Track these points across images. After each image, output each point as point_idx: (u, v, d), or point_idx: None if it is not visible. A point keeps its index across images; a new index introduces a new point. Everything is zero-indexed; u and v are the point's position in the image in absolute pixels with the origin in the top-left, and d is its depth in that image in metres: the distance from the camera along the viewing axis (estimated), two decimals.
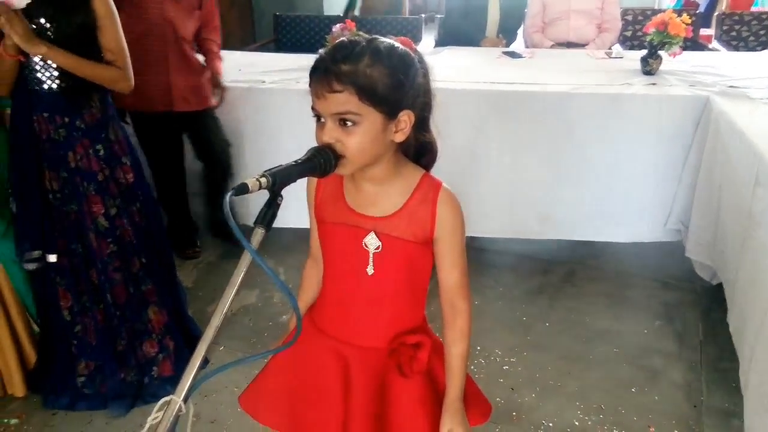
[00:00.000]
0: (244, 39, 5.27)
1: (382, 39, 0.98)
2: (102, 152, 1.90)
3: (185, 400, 0.75)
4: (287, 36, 4.17)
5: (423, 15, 4.27)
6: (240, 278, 0.80)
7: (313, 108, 0.97)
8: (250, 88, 2.77)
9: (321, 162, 0.92)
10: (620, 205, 2.65)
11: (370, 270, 1.09)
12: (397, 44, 0.99)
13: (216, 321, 0.79)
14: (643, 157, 2.58)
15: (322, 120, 0.97)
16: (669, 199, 2.64)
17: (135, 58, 1.90)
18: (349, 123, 0.95)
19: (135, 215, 1.99)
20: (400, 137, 1.00)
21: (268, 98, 2.76)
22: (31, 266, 1.91)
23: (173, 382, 2.02)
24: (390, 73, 0.95)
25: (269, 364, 1.26)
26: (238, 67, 3.08)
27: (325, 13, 4.86)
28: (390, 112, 0.97)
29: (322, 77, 0.94)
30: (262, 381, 1.26)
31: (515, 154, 2.64)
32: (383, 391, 1.16)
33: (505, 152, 2.65)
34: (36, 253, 1.90)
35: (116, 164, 1.93)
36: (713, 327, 2.37)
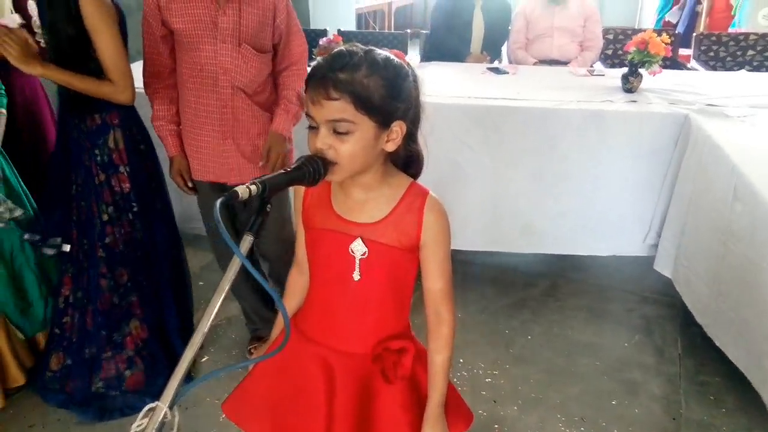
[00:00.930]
0: None
1: (379, 50, 1.00)
2: (99, 158, 1.91)
3: (171, 406, 0.75)
4: None
5: (408, 30, 4.32)
6: (229, 284, 0.80)
7: (307, 114, 0.99)
8: None
9: (310, 171, 0.93)
10: (601, 219, 2.69)
11: (356, 276, 1.10)
12: (392, 56, 1.01)
13: (204, 326, 0.79)
14: (623, 173, 2.63)
15: (316, 127, 0.98)
16: (649, 214, 2.68)
17: (193, 114, 1.92)
18: (343, 131, 0.96)
19: (126, 225, 1.98)
20: (391, 147, 1.02)
21: None
22: (50, 251, 1.99)
23: (144, 396, 2.04)
24: (386, 83, 0.97)
25: (253, 371, 1.26)
26: None
27: (312, 27, 4.88)
28: (383, 122, 0.99)
29: (319, 84, 0.96)
30: (246, 388, 1.26)
31: (499, 168, 2.67)
32: (367, 397, 1.17)
33: (488, 166, 2.67)
34: (58, 240, 1.99)
35: (113, 172, 1.93)
36: (691, 340, 2.41)
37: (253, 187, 0.83)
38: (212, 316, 0.79)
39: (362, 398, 1.17)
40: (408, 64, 1.05)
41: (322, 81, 0.97)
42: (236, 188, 0.80)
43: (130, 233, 1.99)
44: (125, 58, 1.84)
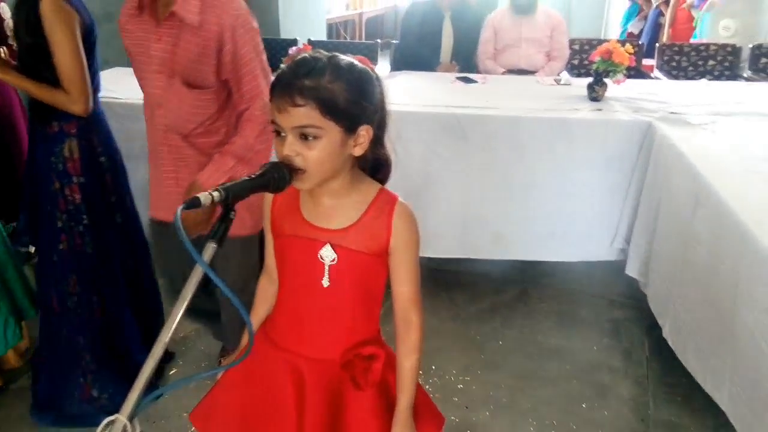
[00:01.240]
0: None
1: (342, 56, 1.01)
2: (55, 165, 1.88)
3: (131, 419, 0.73)
4: None
5: (379, 40, 4.34)
6: (191, 293, 0.79)
7: (273, 122, 0.99)
8: None
9: (275, 177, 0.93)
10: (569, 225, 2.73)
11: (325, 282, 1.10)
12: (356, 61, 1.02)
13: (165, 336, 0.78)
14: (590, 179, 2.67)
15: (283, 134, 0.98)
16: (615, 219, 2.73)
17: (149, 145, 1.84)
18: (310, 137, 0.97)
19: (77, 237, 1.94)
20: (358, 151, 1.03)
21: None
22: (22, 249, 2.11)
23: (95, 405, 2.02)
24: (351, 88, 0.98)
25: (221, 380, 1.24)
26: None
27: (282, 36, 4.88)
28: (350, 127, 0.99)
29: (284, 92, 0.96)
30: (215, 397, 1.24)
31: (468, 176, 2.70)
32: (337, 404, 1.16)
33: (458, 174, 2.70)
34: (26, 239, 2.16)
35: (66, 182, 1.90)
36: (658, 343, 2.44)
37: (216, 194, 0.82)
38: (173, 325, 0.78)
39: (333, 405, 1.16)
40: (372, 69, 1.06)
41: (287, 88, 0.97)
42: (198, 195, 0.80)
43: (80, 245, 1.95)
44: (81, 69, 1.77)
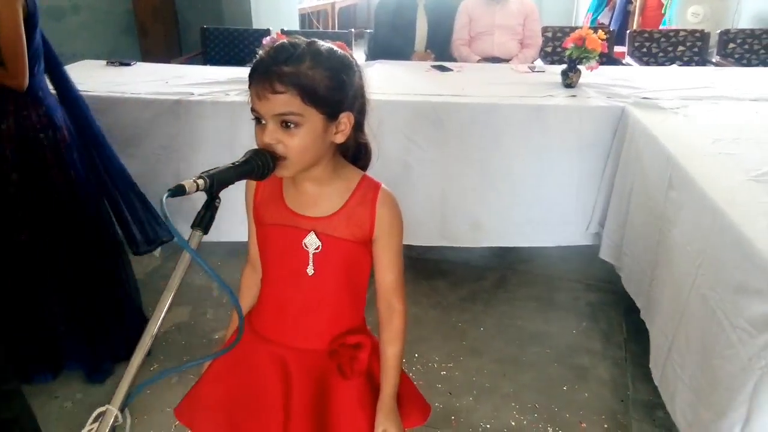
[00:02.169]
0: (169, 51, 5.16)
1: (321, 42, 1.00)
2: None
3: (122, 409, 0.72)
4: (215, 49, 4.12)
5: (353, 30, 4.32)
6: (178, 281, 0.79)
7: (253, 109, 0.97)
8: (179, 100, 2.71)
9: (259, 164, 0.92)
10: (546, 211, 2.75)
11: (310, 270, 1.09)
12: (335, 47, 1.01)
13: (152, 328, 0.77)
14: (565, 165, 2.70)
15: (263, 122, 0.97)
16: (590, 204, 2.77)
17: None
18: (291, 124, 0.95)
19: (8, 218, 1.93)
20: (340, 138, 1.02)
21: (198, 110, 2.71)
22: None
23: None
24: (331, 75, 0.97)
25: (206, 373, 1.23)
26: (164, 79, 3.02)
27: (254, 27, 4.82)
28: (331, 114, 0.98)
29: (264, 78, 0.94)
30: (199, 390, 1.23)
31: (446, 164, 2.71)
32: (323, 393, 1.16)
33: (436, 163, 2.70)
34: None
35: (6, 172, 1.90)
36: (635, 325, 2.48)
37: (201, 181, 0.81)
38: (162, 315, 0.77)
39: (319, 395, 1.16)
40: (351, 55, 1.05)
41: (266, 75, 0.95)
42: (183, 182, 0.79)
43: (9, 228, 1.93)
44: (22, 46, 1.79)
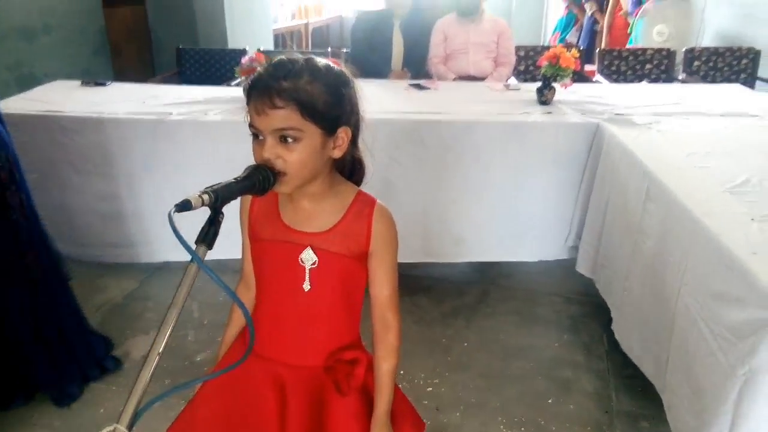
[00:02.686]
0: (142, 71, 5.13)
1: (318, 58, 1.01)
2: None
3: (130, 427, 0.71)
4: (191, 69, 4.11)
5: (329, 49, 4.35)
6: (184, 297, 0.78)
7: (251, 125, 0.98)
8: (158, 120, 2.69)
9: (260, 179, 0.92)
10: (526, 225, 2.80)
11: (306, 286, 1.09)
12: (332, 63, 1.02)
13: (159, 344, 0.76)
14: (543, 180, 2.75)
15: (261, 137, 0.97)
16: (568, 218, 2.82)
17: None
18: (290, 139, 0.96)
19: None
20: (338, 153, 1.03)
21: (177, 130, 2.69)
22: None
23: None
24: (329, 90, 0.98)
25: (200, 392, 1.21)
26: (141, 99, 2.99)
27: (230, 47, 4.83)
28: (329, 128, 0.99)
29: (263, 94, 0.95)
30: (193, 410, 1.21)
31: (427, 181, 2.73)
32: (319, 410, 1.15)
33: (417, 180, 2.73)
34: None
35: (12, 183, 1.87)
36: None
37: (206, 197, 0.82)
38: (168, 332, 0.76)
39: (314, 412, 1.15)
40: (347, 71, 1.07)
41: (265, 90, 0.96)
42: (189, 197, 0.78)
43: None
44: None
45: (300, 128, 0.96)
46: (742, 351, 1.40)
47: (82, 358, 2.18)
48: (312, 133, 0.98)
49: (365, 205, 1.10)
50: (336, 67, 1.03)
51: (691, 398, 1.64)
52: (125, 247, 2.88)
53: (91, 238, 2.83)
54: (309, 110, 0.96)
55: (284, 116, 0.95)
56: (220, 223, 0.85)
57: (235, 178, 0.90)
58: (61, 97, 2.95)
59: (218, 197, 0.83)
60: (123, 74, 4.99)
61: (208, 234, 0.84)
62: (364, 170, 1.17)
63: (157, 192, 2.76)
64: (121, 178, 2.75)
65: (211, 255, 0.83)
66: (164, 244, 2.85)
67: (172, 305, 0.78)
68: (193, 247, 0.82)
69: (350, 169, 1.14)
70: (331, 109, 0.99)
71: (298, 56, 1.01)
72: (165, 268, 2.93)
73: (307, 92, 0.96)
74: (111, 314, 2.64)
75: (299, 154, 0.98)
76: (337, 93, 1.00)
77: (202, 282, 2.53)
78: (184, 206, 0.78)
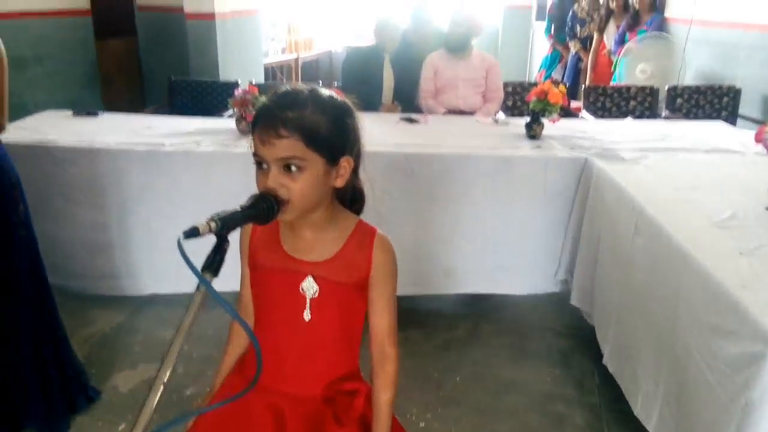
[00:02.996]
0: (133, 103, 5.15)
1: (322, 89, 1.03)
2: None
3: None
4: (182, 100, 4.12)
5: (320, 81, 4.41)
6: (189, 324, 0.77)
7: (255, 154, 0.99)
8: (151, 151, 2.69)
9: (264, 208, 0.93)
10: (516, 257, 2.81)
11: (306, 315, 1.09)
12: (335, 94, 1.04)
13: (165, 372, 0.75)
14: (532, 213, 2.78)
15: (265, 166, 0.98)
16: (557, 251, 2.84)
17: None
18: (294, 168, 0.97)
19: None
20: (340, 183, 1.04)
21: (169, 161, 2.69)
22: None
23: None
24: (333, 120, 0.99)
25: (198, 422, 1.18)
26: (133, 130, 3.00)
27: (221, 79, 4.87)
28: (332, 158, 1.01)
29: (268, 123, 0.96)
30: None
31: (418, 214, 2.75)
32: None
33: (408, 212, 2.74)
34: None
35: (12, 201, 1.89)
36: (607, 371, 2.52)
37: (213, 224, 0.82)
38: (174, 359, 0.75)
39: None
40: (349, 102, 1.09)
41: (270, 120, 0.98)
42: (197, 224, 0.79)
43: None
44: (6, 90, 1.96)
45: (304, 158, 0.98)
46: (738, 384, 1.41)
47: (71, 386, 2.14)
48: (315, 162, 0.99)
49: (366, 234, 1.11)
50: (339, 98, 1.05)
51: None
52: (113, 278, 2.85)
53: (80, 269, 2.80)
54: (313, 140, 0.98)
55: (289, 146, 0.97)
56: (225, 250, 0.85)
57: (240, 206, 0.91)
58: (53, 127, 2.95)
59: (225, 224, 0.83)
60: (113, 106, 5.00)
61: (214, 261, 0.84)
62: (364, 200, 1.18)
63: (146, 223, 2.74)
64: (111, 208, 2.74)
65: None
66: (152, 277, 2.83)
67: (178, 333, 0.77)
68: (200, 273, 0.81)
69: (351, 198, 1.15)
70: (335, 139, 1.01)
71: (303, 87, 1.03)
72: (153, 300, 2.89)
73: (311, 122, 0.98)
74: (98, 347, 2.60)
75: (302, 183, 0.99)
76: (340, 123, 1.02)
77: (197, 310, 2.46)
78: (192, 233, 0.78)
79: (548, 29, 6.59)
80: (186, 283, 2.59)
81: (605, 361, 2.32)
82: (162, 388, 0.75)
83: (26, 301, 1.99)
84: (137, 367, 2.47)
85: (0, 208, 1.89)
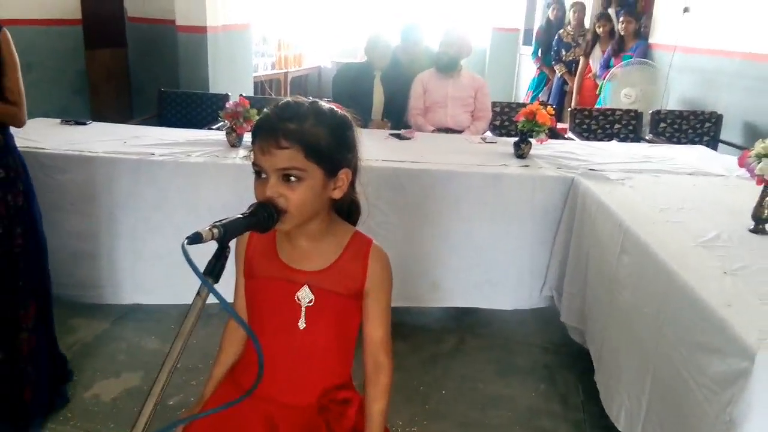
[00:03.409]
0: (121, 113, 5.14)
1: (322, 102, 1.05)
2: (2, 175, 1.98)
3: None
4: (171, 111, 4.13)
5: (310, 98, 4.43)
6: (190, 328, 0.78)
7: (254, 164, 1.00)
8: (140, 160, 2.68)
9: (265, 216, 0.94)
10: (502, 273, 2.84)
11: (301, 324, 1.09)
12: (335, 107, 1.05)
13: (163, 378, 0.75)
14: (520, 230, 2.81)
15: (264, 176, 0.99)
16: (543, 268, 2.87)
17: None
18: (293, 179, 0.98)
19: (18, 238, 2.01)
20: (338, 194, 1.05)
21: (159, 170, 2.69)
22: None
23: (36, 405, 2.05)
24: (332, 133, 1.01)
25: (188, 429, 1.18)
26: (122, 139, 2.99)
27: (211, 91, 4.88)
28: (331, 170, 1.02)
29: (269, 134, 0.98)
30: None
31: (407, 227, 2.77)
32: None
33: (397, 227, 2.76)
34: None
35: (10, 188, 1.98)
36: (591, 387, 2.54)
37: (215, 231, 0.83)
38: (174, 363, 0.75)
39: None
40: (349, 116, 1.11)
41: (271, 131, 0.99)
42: (200, 231, 0.80)
43: (20, 245, 2.04)
44: (21, 82, 2.03)
45: (303, 168, 0.99)
46: (724, 400, 1.43)
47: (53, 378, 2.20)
48: (314, 173, 1.01)
49: (362, 245, 1.13)
50: (339, 111, 1.07)
51: None
52: (97, 287, 2.82)
53: (63, 277, 2.75)
54: (313, 152, 0.99)
55: (289, 156, 0.98)
56: (226, 257, 0.86)
57: (241, 214, 0.91)
58: (41, 135, 2.93)
59: (227, 231, 0.84)
60: (101, 115, 4.98)
61: (215, 267, 0.84)
62: (360, 212, 1.20)
63: (132, 233, 2.73)
64: (97, 216, 2.72)
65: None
66: (136, 286, 2.81)
67: (177, 337, 0.77)
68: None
69: (347, 210, 1.16)
70: (334, 151, 1.03)
71: (304, 99, 1.05)
72: (138, 309, 2.87)
73: (312, 134, 1.00)
74: (81, 355, 2.56)
75: (301, 194, 1.00)
76: (340, 136, 1.04)
77: (176, 326, 2.53)
78: (196, 239, 0.79)
79: (535, 53, 6.71)
80: (170, 293, 2.65)
81: (596, 378, 2.32)
82: (161, 392, 0.74)
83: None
84: (120, 375, 2.44)
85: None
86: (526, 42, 7.87)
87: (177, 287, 2.41)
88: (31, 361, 2.07)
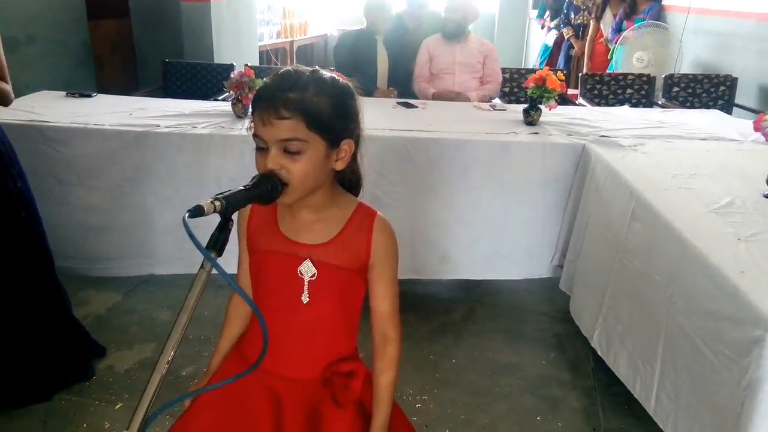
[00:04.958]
0: (126, 85, 5.10)
1: (324, 71, 1.02)
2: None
3: None
4: (176, 83, 4.09)
5: (315, 66, 4.37)
6: (194, 302, 0.77)
7: (255, 136, 0.98)
8: (146, 132, 2.67)
9: (268, 188, 0.92)
10: (513, 244, 2.81)
11: (305, 298, 1.08)
12: (337, 77, 1.02)
13: (169, 349, 0.74)
14: (530, 199, 2.77)
15: (265, 148, 0.97)
16: (554, 237, 2.84)
17: None
18: (294, 150, 0.96)
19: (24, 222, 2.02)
20: (340, 165, 1.03)
21: (165, 142, 2.67)
22: None
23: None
24: (334, 102, 0.98)
25: (195, 401, 1.18)
26: (127, 111, 2.97)
27: (216, 61, 4.83)
28: (333, 141, 1.00)
29: (269, 104, 0.95)
30: (189, 419, 1.18)
31: (415, 198, 2.74)
32: (316, 422, 1.13)
33: (405, 196, 2.73)
34: None
35: (6, 172, 1.94)
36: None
37: (217, 203, 0.81)
38: (178, 337, 0.75)
39: (310, 425, 1.14)
40: (351, 85, 1.08)
41: (271, 101, 0.96)
42: (202, 203, 0.78)
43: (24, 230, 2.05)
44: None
45: (305, 139, 0.97)
46: (745, 366, 1.42)
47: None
48: (316, 144, 0.98)
49: (366, 216, 1.11)
50: (341, 80, 1.04)
51: (701, 415, 1.61)
52: (107, 260, 2.83)
53: (72, 250, 2.77)
54: (314, 122, 0.97)
55: (290, 127, 0.95)
56: (229, 230, 0.84)
57: (244, 186, 0.90)
58: (46, 108, 2.91)
59: (229, 204, 0.83)
60: (106, 87, 4.94)
61: (218, 240, 0.83)
62: (361, 183, 1.17)
63: (141, 205, 2.73)
64: (105, 189, 2.71)
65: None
66: (146, 258, 2.81)
67: (182, 311, 0.77)
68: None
69: (349, 181, 1.14)
70: (336, 121, 1.00)
71: (304, 69, 1.02)
72: (149, 281, 2.88)
73: (313, 104, 0.97)
74: (94, 328, 2.56)
75: (303, 165, 0.98)
76: (342, 106, 1.01)
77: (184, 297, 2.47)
78: (197, 212, 0.77)
79: (540, 14, 6.56)
80: (180, 264, 2.64)
81: (593, 344, 2.33)
82: (167, 367, 0.74)
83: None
84: (133, 347, 2.47)
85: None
86: (536, 6, 7.70)
87: (189, 258, 2.42)
88: (49, 334, 2.10)
